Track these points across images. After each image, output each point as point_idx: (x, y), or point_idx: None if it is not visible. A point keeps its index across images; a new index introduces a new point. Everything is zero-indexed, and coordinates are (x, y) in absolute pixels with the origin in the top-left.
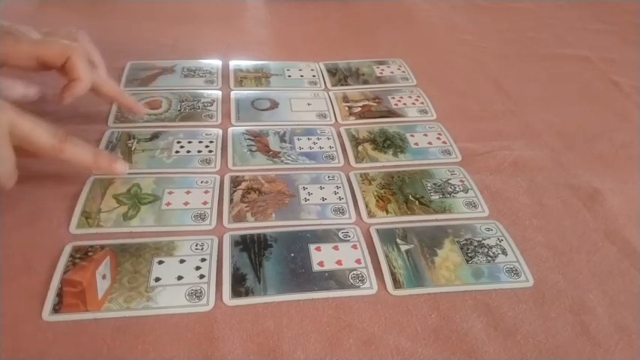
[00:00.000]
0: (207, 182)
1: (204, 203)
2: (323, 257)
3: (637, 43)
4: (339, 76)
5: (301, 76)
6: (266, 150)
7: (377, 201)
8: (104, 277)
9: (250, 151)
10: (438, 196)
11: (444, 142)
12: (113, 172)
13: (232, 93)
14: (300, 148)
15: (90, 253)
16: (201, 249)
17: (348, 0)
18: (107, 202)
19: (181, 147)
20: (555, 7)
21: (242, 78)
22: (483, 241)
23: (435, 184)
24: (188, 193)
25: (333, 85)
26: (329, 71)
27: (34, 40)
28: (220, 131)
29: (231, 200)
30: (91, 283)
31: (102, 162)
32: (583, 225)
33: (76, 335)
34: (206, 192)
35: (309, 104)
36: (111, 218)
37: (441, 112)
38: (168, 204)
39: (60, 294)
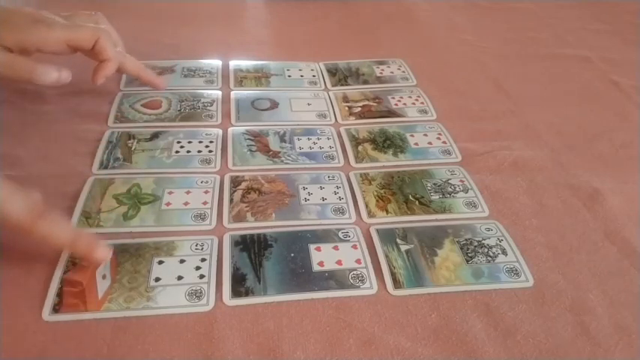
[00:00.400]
0: (207, 182)
1: (204, 203)
2: (323, 257)
3: (637, 43)
4: (339, 76)
5: (301, 76)
6: (266, 150)
7: (377, 201)
8: (104, 277)
9: (250, 151)
10: (438, 196)
11: (444, 142)
12: (92, 260)
13: (232, 93)
14: (300, 148)
15: None
16: (201, 249)
17: (348, 0)
18: (107, 202)
19: (181, 147)
20: (555, 7)
21: (242, 78)
22: (483, 241)
23: (435, 184)
24: (188, 193)
25: (333, 85)
26: (329, 71)
27: (65, 25)
28: (220, 131)
29: (231, 200)
30: (91, 283)
31: (80, 246)
32: (583, 225)
33: (76, 335)
34: (206, 192)
35: (309, 104)
36: (111, 218)
37: (441, 112)
38: (168, 204)
39: (60, 294)
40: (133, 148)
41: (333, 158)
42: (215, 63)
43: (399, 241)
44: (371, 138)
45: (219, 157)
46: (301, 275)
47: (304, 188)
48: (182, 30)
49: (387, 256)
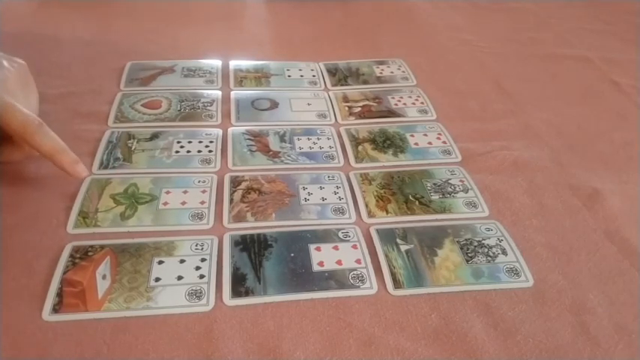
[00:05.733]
0: (204, 182)
1: (202, 203)
2: (323, 257)
3: (637, 43)
4: (339, 76)
5: (301, 76)
6: (266, 150)
7: (377, 201)
8: (104, 277)
9: (250, 151)
10: (437, 196)
11: (444, 142)
12: (72, 173)
13: (232, 93)
14: (300, 148)
15: (90, 253)
16: (201, 249)
17: (348, 0)
18: (104, 202)
19: (181, 147)
20: (555, 7)
21: (242, 78)
22: (483, 241)
23: (435, 184)
24: (185, 192)
25: (333, 85)
26: (329, 71)
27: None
28: (220, 131)
29: (231, 200)
30: (90, 283)
31: (65, 158)
32: (583, 225)
33: (76, 335)
34: (203, 191)
35: (309, 104)
36: (108, 218)
37: (441, 112)
38: (165, 204)
39: (60, 294)
40: (133, 148)
41: (333, 158)
42: (215, 63)
43: (399, 241)
44: (371, 138)
45: (219, 157)
46: (301, 275)
47: (304, 188)
48: (182, 30)
49: (387, 256)
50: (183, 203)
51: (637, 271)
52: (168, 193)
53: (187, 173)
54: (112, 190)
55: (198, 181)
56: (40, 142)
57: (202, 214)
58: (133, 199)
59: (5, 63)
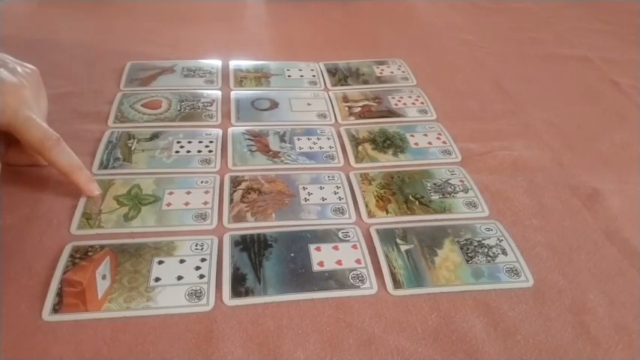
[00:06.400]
0: (207, 182)
1: (205, 203)
2: (323, 257)
3: (637, 43)
4: (339, 76)
5: (301, 76)
6: (266, 150)
7: (377, 201)
8: (104, 277)
9: (250, 151)
10: (437, 196)
11: (444, 142)
12: (86, 191)
13: (232, 93)
14: (300, 148)
15: (90, 253)
16: (201, 249)
17: (348, 0)
18: (108, 203)
19: (181, 147)
20: (555, 7)
21: (242, 78)
22: (483, 241)
23: (435, 184)
24: (188, 193)
25: (333, 85)
26: (329, 71)
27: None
28: (220, 131)
29: (231, 200)
30: (90, 283)
31: (81, 176)
32: (583, 225)
33: (76, 335)
34: (206, 192)
35: (309, 104)
36: (112, 219)
37: (441, 112)
38: (168, 204)
39: (60, 294)
40: (132, 148)
41: (333, 158)
42: (215, 63)
43: (399, 241)
44: (371, 138)
45: (219, 157)
46: (301, 275)
47: (304, 188)
48: (182, 30)
49: (387, 256)
50: (187, 204)
51: (637, 271)
52: (171, 194)
53: (187, 173)
54: (116, 192)
55: (201, 182)
56: (57, 158)
57: (206, 215)
58: (136, 201)
59: (19, 69)
